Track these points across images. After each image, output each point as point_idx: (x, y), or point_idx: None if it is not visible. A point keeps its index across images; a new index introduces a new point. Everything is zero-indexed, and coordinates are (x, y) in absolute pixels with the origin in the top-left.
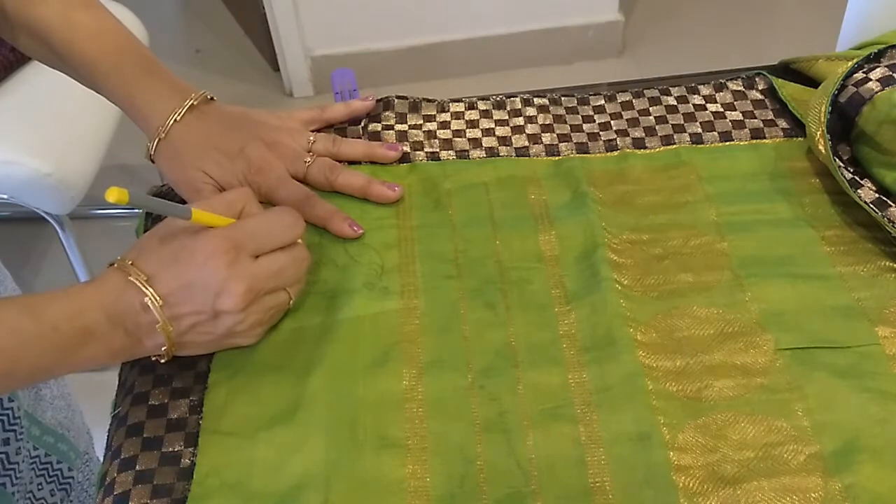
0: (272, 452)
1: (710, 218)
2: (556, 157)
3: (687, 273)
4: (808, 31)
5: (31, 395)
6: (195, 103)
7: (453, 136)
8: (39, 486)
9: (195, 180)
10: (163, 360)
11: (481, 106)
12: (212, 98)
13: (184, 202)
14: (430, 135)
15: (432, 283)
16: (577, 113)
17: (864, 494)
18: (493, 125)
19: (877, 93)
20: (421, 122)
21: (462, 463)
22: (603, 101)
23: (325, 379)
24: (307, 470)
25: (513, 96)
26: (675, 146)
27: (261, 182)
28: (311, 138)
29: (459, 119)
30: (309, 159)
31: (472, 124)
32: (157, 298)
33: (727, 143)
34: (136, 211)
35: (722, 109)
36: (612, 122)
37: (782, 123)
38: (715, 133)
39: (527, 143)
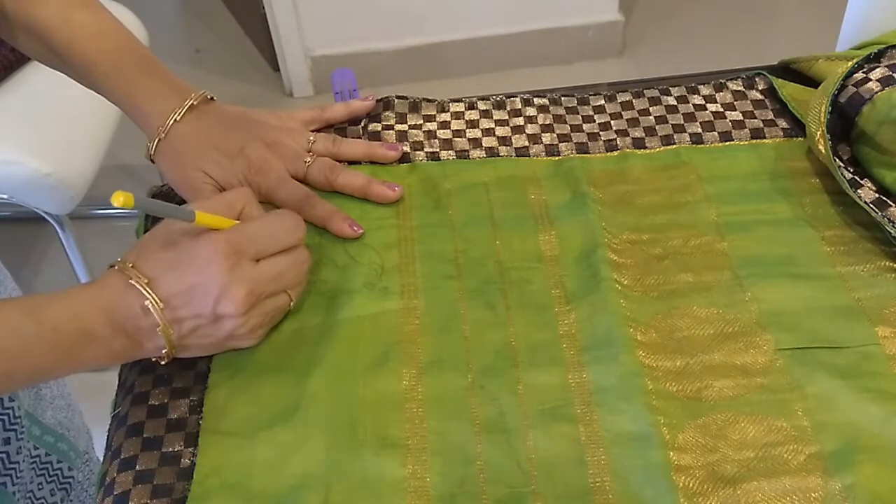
0: (272, 452)
1: (710, 218)
2: (556, 157)
3: (687, 273)
4: (808, 31)
5: (32, 394)
6: (195, 103)
7: (453, 136)
8: (40, 486)
9: (195, 180)
10: (163, 363)
11: (481, 106)
12: (212, 98)
13: (184, 202)
14: (430, 135)
15: (432, 283)
16: (577, 113)
17: (864, 494)
18: (493, 125)
19: (877, 93)
20: (421, 122)
21: (462, 463)
22: (603, 101)
23: (325, 379)
24: (307, 470)
25: (513, 96)
26: (675, 146)
27: (261, 182)
28: (311, 138)
29: (459, 119)
30: (309, 159)
31: (472, 124)
32: (158, 302)
33: (727, 143)
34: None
35: (722, 109)
36: (612, 122)
37: (782, 123)
38: (715, 133)
39: (527, 143)
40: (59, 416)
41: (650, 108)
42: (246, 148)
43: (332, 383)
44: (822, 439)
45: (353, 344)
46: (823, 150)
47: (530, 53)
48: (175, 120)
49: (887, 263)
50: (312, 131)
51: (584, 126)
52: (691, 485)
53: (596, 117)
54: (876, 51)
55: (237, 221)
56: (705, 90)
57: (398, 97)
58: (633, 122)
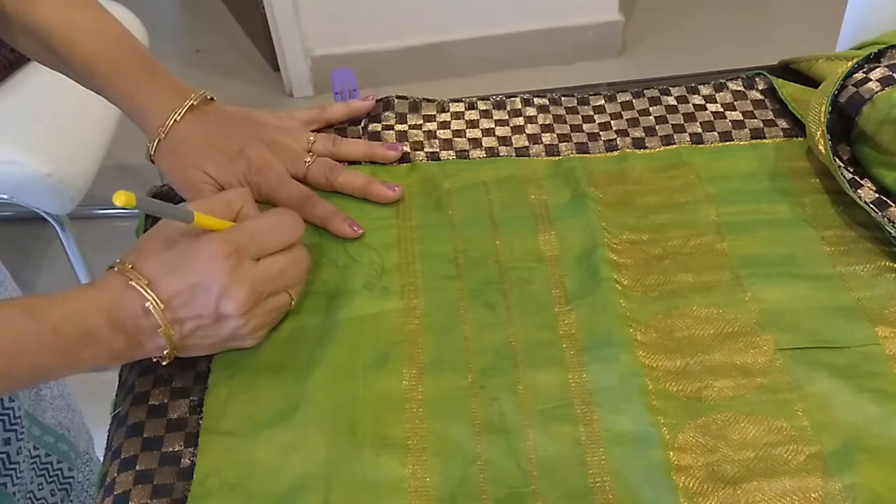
0: (272, 452)
1: (710, 218)
2: (556, 157)
3: (687, 273)
4: (808, 31)
5: (32, 395)
6: (195, 103)
7: (453, 136)
8: (40, 486)
9: (195, 180)
10: (164, 363)
11: (481, 106)
12: (212, 98)
13: (184, 202)
14: (430, 135)
15: (432, 283)
16: (577, 113)
17: (864, 494)
18: (493, 125)
19: (877, 93)
20: (421, 122)
21: (462, 463)
22: (603, 101)
23: (325, 379)
24: (307, 470)
25: (513, 96)
26: (675, 146)
27: (261, 182)
28: (311, 138)
29: (459, 119)
30: (309, 159)
31: (472, 124)
32: (159, 303)
33: (727, 143)
34: (137, 211)
35: (722, 109)
36: (612, 122)
37: (782, 123)
38: (715, 133)
39: (527, 143)
40: (60, 416)
41: (650, 108)
42: (246, 148)
43: (332, 383)
44: (822, 439)
45: (353, 344)
46: (823, 150)
47: (530, 53)
48: (175, 120)
49: (887, 263)
50: (312, 131)
51: (584, 126)
52: (691, 485)
53: (596, 117)
54: (876, 51)
55: (234, 223)
56: (705, 90)
57: (398, 97)
58: (633, 122)
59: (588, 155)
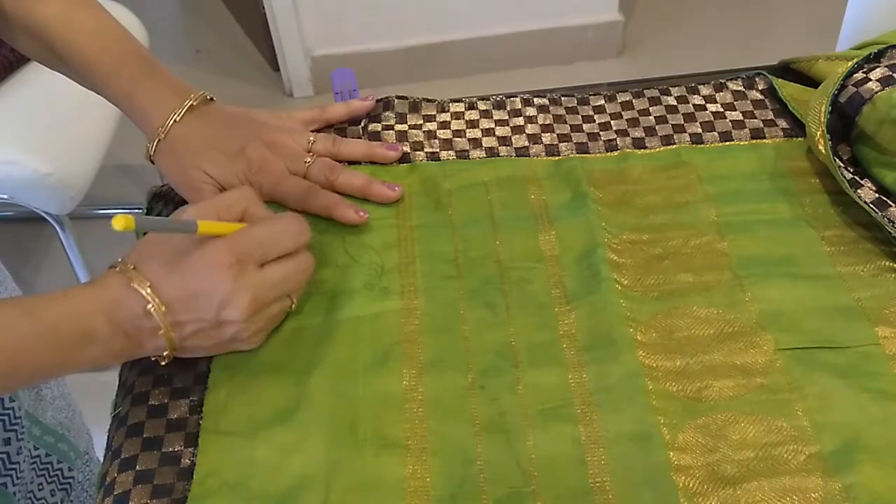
0: (272, 452)
1: (710, 218)
2: (556, 157)
3: (687, 273)
4: (808, 31)
5: (32, 395)
6: (195, 104)
7: (453, 136)
8: (40, 487)
9: (195, 180)
10: (164, 363)
11: (481, 106)
12: (211, 98)
13: (184, 202)
14: (430, 135)
15: (432, 283)
16: (577, 113)
17: (864, 494)
18: (493, 125)
19: (877, 93)
20: (421, 122)
21: (462, 463)
22: (603, 101)
23: (325, 379)
24: (307, 470)
25: (513, 96)
26: (675, 146)
27: (262, 181)
28: (311, 138)
29: (459, 119)
30: (309, 159)
31: (472, 124)
32: (161, 305)
33: (727, 143)
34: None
35: (722, 109)
36: (612, 122)
37: (782, 123)
38: (715, 133)
39: (527, 143)
40: (60, 416)
41: (650, 108)
42: (246, 148)
43: (332, 383)
44: (822, 439)
45: (353, 344)
46: (823, 150)
47: (530, 53)
48: (175, 120)
49: (887, 263)
50: (312, 131)
51: (584, 126)
52: (691, 485)
53: (596, 117)
54: (876, 51)
55: (241, 225)
56: (705, 90)
57: (398, 97)
58: (633, 122)
59: (588, 155)
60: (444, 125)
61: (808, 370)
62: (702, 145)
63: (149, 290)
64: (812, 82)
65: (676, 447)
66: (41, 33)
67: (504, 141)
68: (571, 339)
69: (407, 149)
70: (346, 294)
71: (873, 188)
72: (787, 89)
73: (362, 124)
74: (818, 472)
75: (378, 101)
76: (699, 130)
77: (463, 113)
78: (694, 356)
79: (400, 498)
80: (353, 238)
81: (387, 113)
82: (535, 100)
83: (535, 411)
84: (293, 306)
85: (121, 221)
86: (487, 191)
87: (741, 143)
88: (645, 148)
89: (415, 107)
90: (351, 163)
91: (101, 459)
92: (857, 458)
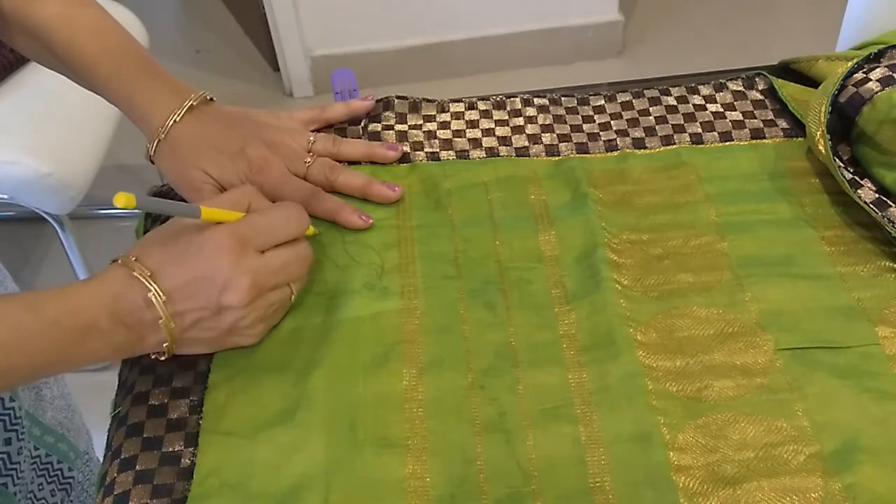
0: (272, 453)
1: (710, 218)
2: (556, 157)
3: (687, 273)
4: (808, 31)
5: (32, 395)
6: (194, 104)
7: (453, 136)
8: (40, 487)
9: (195, 180)
10: (163, 358)
11: (481, 106)
12: (211, 98)
13: (185, 202)
14: (430, 135)
15: (432, 283)
16: (577, 113)
17: (864, 494)
18: (493, 125)
19: (877, 93)
20: (421, 122)
21: (462, 463)
22: (603, 101)
23: (325, 379)
24: (307, 470)
25: (513, 96)
26: (675, 146)
27: (263, 181)
28: (311, 138)
29: (459, 119)
30: (309, 159)
31: (472, 124)
32: (161, 294)
33: (727, 144)
34: (137, 211)
35: (722, 109)
36: (612, 122)
37: (782, 123)
38: (715, 133)
39: (527, 143)
40: (60, 416)
41: (650, 109)
42: (246, 148)
43: (332, 383)
44: (822, 439)
45: (353, 344)
46: (823, 150)
47: (530, 53)
48: (175, 120)
49: (887, 263)
50: (312, 131)
51: (584, 126)
52: (691, 485)
53: (596, 117)
54: (876, 51)
55: (243, 214)
56: (705, 90)
57: (398, 97)
58: (633, 122)
59: (588, 155)
60: (444, 125)
61: (808, 370)
62: (702, 145)
63: (149, 279)
64: (812, 82)
65: (676, 447)
66: (40, 33)
67: (504, 141)
68: (571, 339)
69: (407, 149)
70: (346, 294)
71: (873, 188)
72: (787, 89)
73: (362, 124)
74: (818, 473)
75: (378, 101)
76: (699, 130)
77: (463, 113)
78: (694, 356)
79: (400, 498)
80: (353, 238)
81: (387, 113)
82: (535, 100)
83: (535, 411)
84: (293, 297)
85: (122, 199)
86: (487, 191)
87: (741, 143)
88: (645, 148)
89: (415, 107)
90: (351, 163)
91: (101, 459)
92: (857, 458)
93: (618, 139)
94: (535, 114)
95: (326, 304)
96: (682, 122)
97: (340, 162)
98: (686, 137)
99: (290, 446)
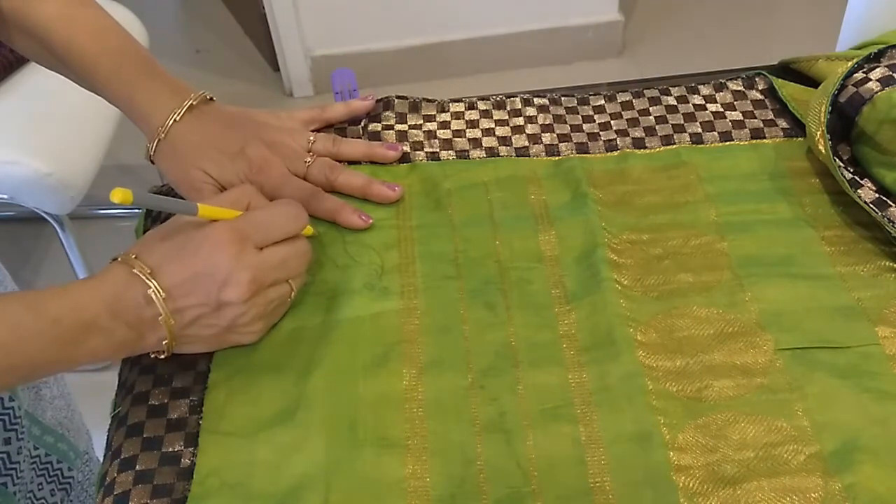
0: (272, 453)
1: (710, 218)
2: (556, 157)
3: (687, 273)
4: (808, 31)
5: (32, 394)
6: (194, 103)
7: (453, 136)
8: (40, 486)
9: (195, 180)
10: (163, 356)
11: (481, 106)
12: (211, 98)
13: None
14: (430, 135)
15: (432, 283)
16: (577, 113)
17: (864, 494)
18: (493, 125)
19: (877, 93)
20: (421, 122)
21: (462, 463)
22: (603, 101)
23: (325, 379)
24: (307, 470)
25: (513, 96)
26: (675, 146)
27: (263, 181)
28: (311, 138)
29: (459, 119)
30: (309, 159)
31: (472, 124)
32: (161, 291)
33: (727, 143)
34: (137, 210)
35: (722, 109)
36: (612, 122)
37: (782, 123)
38: (715, 133)
39: (527, 143)
40: (59, 416)
41: (650, 108)
42: (246, 148)
43: (331, 383)
44: (822, 439)
45: (353, 344)
46: (823, 150)
47: (530, 53)
48: (175, 120)
49: (887, 263)
50: (312, 131)
51: (584, 126)
52: (691, 485)
53: (596, 117)
54: (876, 51)
55: (240, 211)
56: (705, 90)
57: (398, 97)
58: (633, 122)
59: (588, 155)
60: (444, 125)
61: (808, 370)
62: (702, 145)
63: (149, 276)
64: (812, 82)
65: (676, 447)
66: (40, 33)
67: (504, 141)
68: (571, 339)
69: (407, 149)
70: (346, 294)
71: (873, 188)
72: (787, 89)
73: (362, 124)
74: (818, 472)
75: (378, 101)
76: (699, 130)
77: (463, 113)
78: (694, 356)
79: (400, 498)
80: (353, 238)
81: (387, 113)
82: (535, 100)
83: (535, 411)
84: (292, 294)
85: (118, 195)
86: (487, 191)
87: (741, 143)
88: (645, 148)
89: (415, 107)
90: (351, 163)
91: (101, 459)
92: (857, 458)
93: (618, 139)
94: (535, 114)
95: (326, 304)
96: (682, 121)
97: (340, 162)
98: (686, 137)
99: (290, 446)
